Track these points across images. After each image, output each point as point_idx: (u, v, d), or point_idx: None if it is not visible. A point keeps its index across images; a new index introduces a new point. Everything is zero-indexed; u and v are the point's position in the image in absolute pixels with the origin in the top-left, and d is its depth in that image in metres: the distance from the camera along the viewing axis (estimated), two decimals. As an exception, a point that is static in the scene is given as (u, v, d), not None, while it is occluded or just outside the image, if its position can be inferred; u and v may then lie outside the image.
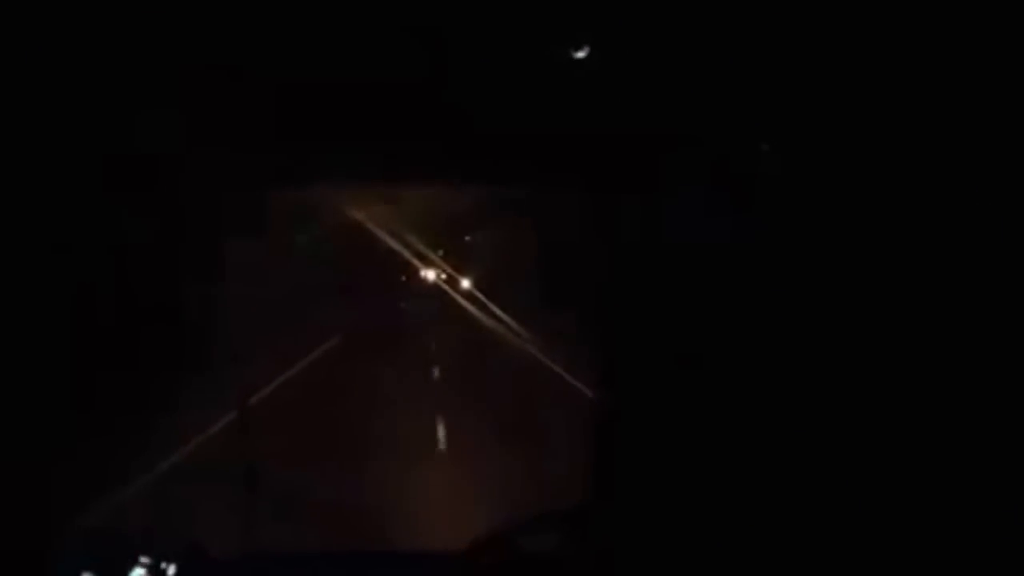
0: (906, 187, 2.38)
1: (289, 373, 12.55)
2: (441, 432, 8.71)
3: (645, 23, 3.04)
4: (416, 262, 31.61)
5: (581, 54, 3.48)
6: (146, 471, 6.59)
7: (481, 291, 25.42)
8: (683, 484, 2.73)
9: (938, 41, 2.25)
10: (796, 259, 2.68)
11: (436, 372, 13.94)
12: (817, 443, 2.46)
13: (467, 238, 29.69)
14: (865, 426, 2.37)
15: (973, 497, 2.08)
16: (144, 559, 1.75)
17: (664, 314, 3.13)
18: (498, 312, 19.27)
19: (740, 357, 2.78)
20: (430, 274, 35.43)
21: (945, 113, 2.27)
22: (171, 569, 1.76)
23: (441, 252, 33.66)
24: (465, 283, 30.65)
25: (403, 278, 34.84)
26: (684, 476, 2.75)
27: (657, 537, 2.48)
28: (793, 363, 2.61)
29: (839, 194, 2.57)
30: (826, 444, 2.45)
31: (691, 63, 2.98)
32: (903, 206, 2.38)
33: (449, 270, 33.41)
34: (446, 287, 32.26)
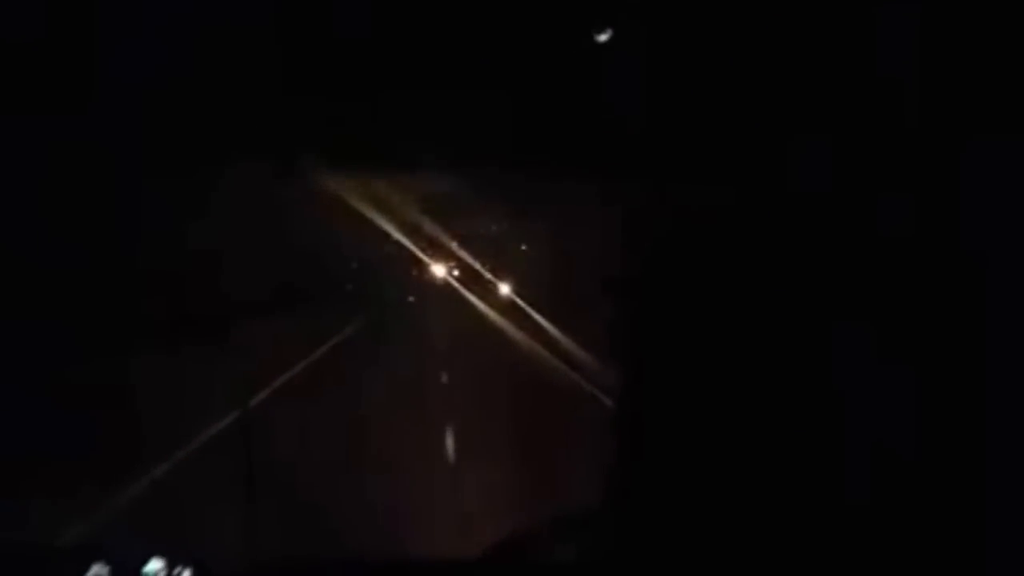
0: (921, 188, 2.35)
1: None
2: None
3: (675, 12, 2.99)
4: (422, 257, 31.09)
5: (603, 37, 3.42)
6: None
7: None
8: (703, 490, 2.69)
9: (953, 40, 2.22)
10: (810, 259, 2.64)
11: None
12: (842, 447, 2.41)
13: (492, 228, 27.91)
14: (874, 430, 2.34)
15: (979, 499, 2.07)
16: (156, 562, 1.70)
17: (688, 315, 3.07)
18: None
19: (764, 360, 2.73)
20: (439, 270, 35.19)
21: (946, 115, 2.25)
22: (186, 573, 1.71)
23: (456, 244, 33.40)
24: (504, 288, 25.58)
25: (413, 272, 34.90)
26: (704, 482, 2.71)
27: (675, 544, 2.45)
28: (819, 366, 2.56)
29: (863, 192, 2.53)
30: (851, 448, 2.40)
31: (720, 52, 2.93)
32: (921, 207, 2.35)
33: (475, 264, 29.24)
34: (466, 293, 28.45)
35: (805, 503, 2.39)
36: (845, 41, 2.49)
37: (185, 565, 1.70)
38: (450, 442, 8.09)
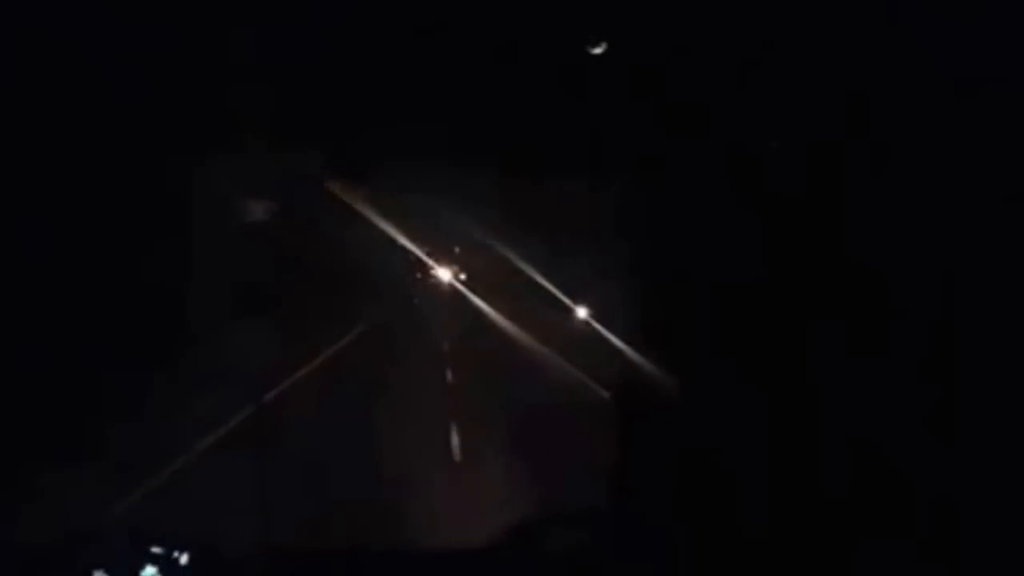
0: (912, 185, 2.38)
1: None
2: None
3: (658, 18, 3.04)
4: (425, 260, 30.65)
5: (598, 50, 3.48)
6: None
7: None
8: (704, 483, 2.73)
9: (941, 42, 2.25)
10: (807, 259, 2.67)
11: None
12: (839, 443, 2.44)
13: (493, 231, 27.20)
14: (875, 431, 2.36)
15: (977, 498, 2.08)
16: (156, 550, 1.76)
17: (684, 310, 3.11)
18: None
19: (760, 355, 2.77)
20: (442, 273, 34.91)
21: (946, 116, 2.27)
22: (184, 558, 1.77)
23: (457, 249, 33.33)
24: (504, 289, 23.15)
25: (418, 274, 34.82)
26: (705, 475, 2.74)
27: (677, 536, 2.47)
28: (813, 361, 2.59)
29: (850, 189, 2.56)
30: (847, 445, 2.43)
31: (702, 57, 2.97)
32: (910, 204, 2.38)
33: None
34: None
35: (799, 501, 2.42)
36: (825, 49, 2.53)
37: (183, 551, 1.76)
38: (454, 439, 8.13)
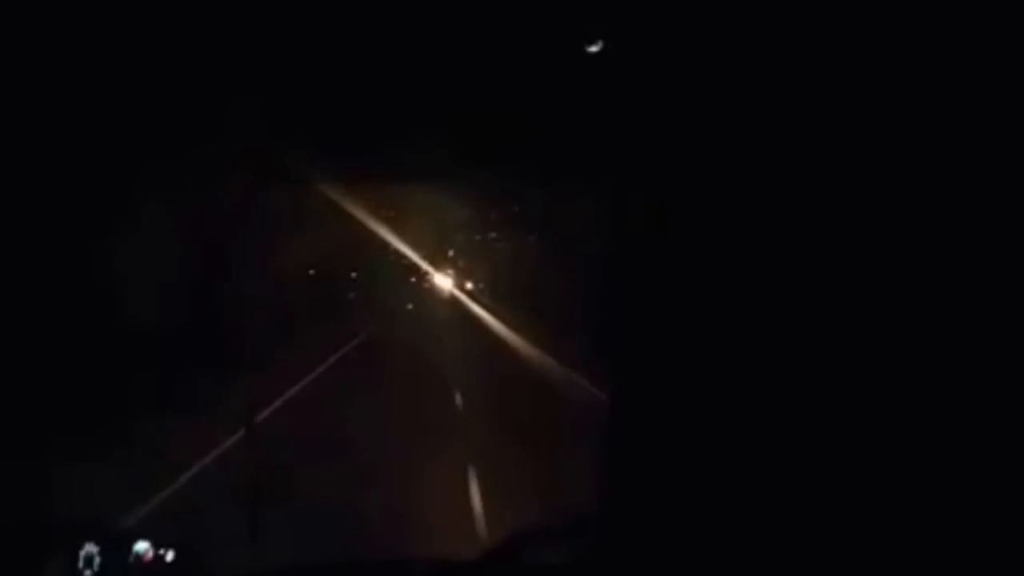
0: (907, 185, 2.38)
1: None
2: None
3: (651, 21, 3.04)
4: (420, 264, 30.77)
5: (594, 48, 3.47)
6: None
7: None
8: (696, 496, 2.71)
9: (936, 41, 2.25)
10: (802, 257, 2.66)
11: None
12: (833, 449, 2.43)
13: (491, 235, 26.76)
14: (874, 429, 2.35)
15: (975, 498, 2.08)
16: (142, 543, 1.75)
17: (675, 316, 3.11)
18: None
19: (752, 360, 2.75)
20: (437, 277, 34.77)
21: (943, 113, 2.27)
22: (170, 554, 1.75)
23: (452, 252, 33.46)
24: (499, 292, 24.27)
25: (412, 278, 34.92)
26: (697, 488, 2.72)
27: (668, 550, 2.46)
28: (807, 365, 2.58)
29: (843, 190, 2.56)
30: (842, 449, 2.42)
31: (694, 59, 2.97)
32: (906, 204, 2.37)
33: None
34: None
35: (803, 507, 2.40)
36: (833, 42, 2.52)
37: (168, 547, 1.74)
38: (449, 445, 8.08)
